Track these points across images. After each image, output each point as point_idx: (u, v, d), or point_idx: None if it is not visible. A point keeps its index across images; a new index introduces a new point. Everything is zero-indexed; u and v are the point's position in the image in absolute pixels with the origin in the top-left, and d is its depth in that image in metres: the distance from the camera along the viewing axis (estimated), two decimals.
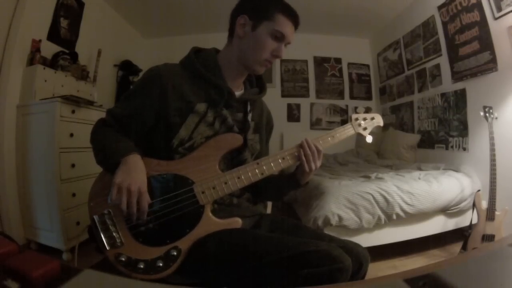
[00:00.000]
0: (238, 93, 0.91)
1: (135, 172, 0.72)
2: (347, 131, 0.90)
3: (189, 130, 0.82)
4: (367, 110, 0.92)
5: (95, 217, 0.74)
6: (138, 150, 0.78)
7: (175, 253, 0.73)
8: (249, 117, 0.92)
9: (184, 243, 0.74)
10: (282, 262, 0.66)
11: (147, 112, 0.81)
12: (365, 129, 0.93)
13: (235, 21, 0.85)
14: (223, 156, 0.82)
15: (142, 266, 0.71)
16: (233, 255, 0.72)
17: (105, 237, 0.72)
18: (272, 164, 0.81)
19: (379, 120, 0.95)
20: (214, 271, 0.74)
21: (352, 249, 0.77)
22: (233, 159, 0.88)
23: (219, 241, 0.74)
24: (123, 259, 0.71)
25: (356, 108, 0.89)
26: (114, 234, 0.73)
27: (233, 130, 0.87)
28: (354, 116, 0.93)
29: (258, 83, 0.99)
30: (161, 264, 0.72)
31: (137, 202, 0.71)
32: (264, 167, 0.81)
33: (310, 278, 0.63)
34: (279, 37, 0.83)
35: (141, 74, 3.56)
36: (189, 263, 0.74)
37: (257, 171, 0.80)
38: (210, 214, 0.78)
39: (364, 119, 0.93)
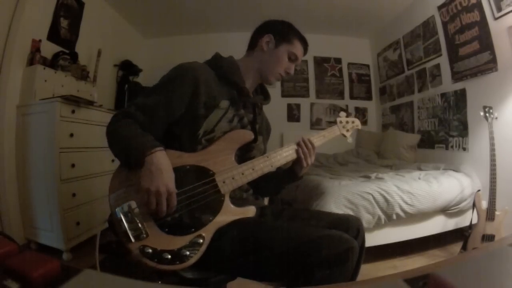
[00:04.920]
0: None
1: (162, 171, 0.73)
2: (335, 131, 1.05)
3: (213, 124, 0.89)
4: (348, 114, 1.08)
5: (119, 209, 0.73)
6: (162, 144, 0.79)
7: (200, 241, 0.75)
8: (257, 119, 1.02)
9: (208, 231, 0.77)
10: (304, 247, 0.73)
11: (179, 103, 0.86)
12: (347, 131, 1.07)
13: (260, 38, 0.99)
14: (237, 150, 0.89)
15: (168, 257, 0.71)
16: (255, 244, 0.77)
17: (130, 229, 0.71)
18: (279, 157, 0.91)
19: (357, 124, 1.09)
20: (235, 259, 0.78)
21: (347, 220, 0.91)
22: (242, 156, 0.94)
23: (241, 230, 0.79)
24: (150, 251, 0.71)
25: (339, 111, 0.98)
26: (139, 225, 0.72)
27: (247, 129, 0.96)
28: (338, 119, 1.07)
29: (262, 91, 1.10)
30: (187, 253, 0.73)
31: (167, 200, 0.73)
32: (273, 160, 0.90)
33: (328, 259, 0.71)
34: (293, 59, 1.00)
35: (141, 74, 3.56)
36: (210, 253, 0.76)
37: (267, 163, 0.89)
38: (229, 203, 0.83)
39: (347, 122, 1.08)
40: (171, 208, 0.74)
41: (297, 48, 1.00)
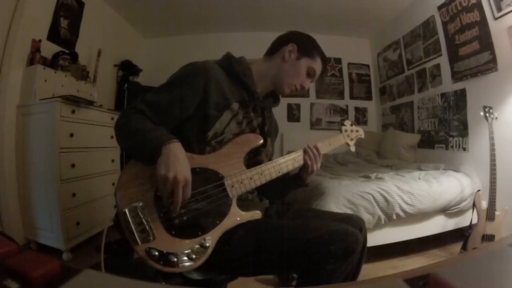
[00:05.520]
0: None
1: (179, 160, 0.73)
2: (340, 140, 1.07)
3: (223, 125, 0.88)
4: (352, 123, 1.13)
5: (127, 210, 0.71)
6: (177, 138, 0.78)
7: (207, 244, 0.76)
8: (266, 122, 1.03)
9: (214, 234, 0.78)
10: (312, 242, 0.76)
11: (189, 102, 0.84)
12: (351, 139, 1.10)
13: (283, 46, 0.98)
14: (246, 154, 0.89)
15: (174, 260, 0.71)
16: (262, 244, 0.79)
17: (136, 231, 0.70)
18: (286, 163, 0.93)
19: (361, 133, 1.12)
20: (241, 260, 0.79)
21: (349, 218, 0.93)
22: (250, 160, 0.94)
23: (248, 232, 0.81)
24: (156, 253, 0.70)
25: (343, 121, 1.01)
26: (146, 227, 0.71)
27: (256, 132, 0.96)
28: (343, 128, 1.10)
29: (272, 94, 1.08)
30: (193, 256, 0.73)
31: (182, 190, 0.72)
32: (281, 165, 0.91)
33: (336, 252, 0.75)
34: (311, 74, 1.00)
35: (141, 74, 3.56)
36: (215, 254, 0.77)
37: (275, 168, 0.90)
38: (237, 207, 0.83)
39: (351, 131, 1.10)
40: (185, 198, 0.73)
41: (318, 64, 1.00)
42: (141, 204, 0.73)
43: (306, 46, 0.99)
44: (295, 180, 1.02)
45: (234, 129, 0.91)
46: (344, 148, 3.52)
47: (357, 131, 1.11)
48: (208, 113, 0.85)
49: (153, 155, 0.73)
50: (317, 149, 0.96)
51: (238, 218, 0.82)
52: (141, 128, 0.77)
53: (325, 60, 1.02)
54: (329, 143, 1.02)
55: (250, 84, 0.94)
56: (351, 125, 1.11)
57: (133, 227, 0.70)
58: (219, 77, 0.89)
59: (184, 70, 0.88)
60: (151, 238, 0.71)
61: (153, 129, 0.77)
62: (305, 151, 0.96)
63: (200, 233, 0.76)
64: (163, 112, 0.82)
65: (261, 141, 0.91)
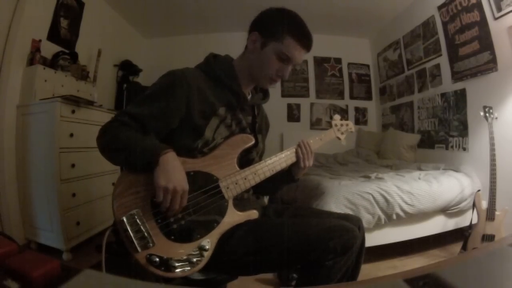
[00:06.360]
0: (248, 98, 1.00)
1: (176, 171, 0.73)
2: (330, 134, 1.07)
3: (212, 132, 0.87)
4: (342, 117, 1.11)
5: (124, 219, 0.71)
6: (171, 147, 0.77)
7: (206, 247, 0.76)
8: (257, 119, 1.01)
9: (213, 236, 0.79)
10: (311, 239, 0.78)
11: (173, 115, 0.82)
12: (342, 133, 1.09)
13: (248, 36, 0.91)
14: (238, 154, 0.89)
15: (175, 264, 0.71)
16: (262, 242, 0.81)
17: (136, 238, 0.70)
18: (278, 162, 0.93)
19: (351, 127, 1.12)
20: (241, 259, 0.80)
21: (347, 218, 0.93)
22: (242, 158, 0.93)
23: (247, 232, 0.82)
24: (157, 259, 0.70)
25: (332, 116, 0.99)
26: (145, 234, 0.71)
27: (246, 131, 0.95)
28: (333, 122, 1.09)
29: (261, 89, 1.05)
30: (194, 260, 0.74)
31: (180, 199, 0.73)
32: (275, 164, 0.92)
33: (335, 247, 0.77)
34: (285, 59, 0.87)
35: (141, 74, 3.56)
36: (216, 256, 0.77)
37: (269, 167, 0.90)
38: (233, 208, 0.84)
39: (341, 125, 1.10)
40: (182, 206, 0.74)
41: (289, 46, 0.85)
42: (138, 211, 0.73)
43: (269, 29, 0.86)
44: (285, 175, 1.01)
45: (224, 132, 0.89)
46: (344, 148, 3.54)
47: (347, 124, 1.10)
48: (195, 122, 0.83)
49: (150, 165, 0.72)
50: (309, 145, 0.96)
51: (236, 219, 0.83)
52: (132, 139, 0.75)
53: (301, 37, 0.85)
54: (320, 138, 1.02)
55: (233, 85, 0.90)
56: (341, 119, 1.10)
57: (132, 235, 0.70)
58: (201, 83, 0.86)
59: (164, 81, 0.84)
60: (151, 245, 0.71)
61: (145, 139, 0.76)
62: (297, 148, 0.96)
63: (199, 236, 0.77)
64: (147, 126, 0.80)
65: (253, 141, 0.90)
